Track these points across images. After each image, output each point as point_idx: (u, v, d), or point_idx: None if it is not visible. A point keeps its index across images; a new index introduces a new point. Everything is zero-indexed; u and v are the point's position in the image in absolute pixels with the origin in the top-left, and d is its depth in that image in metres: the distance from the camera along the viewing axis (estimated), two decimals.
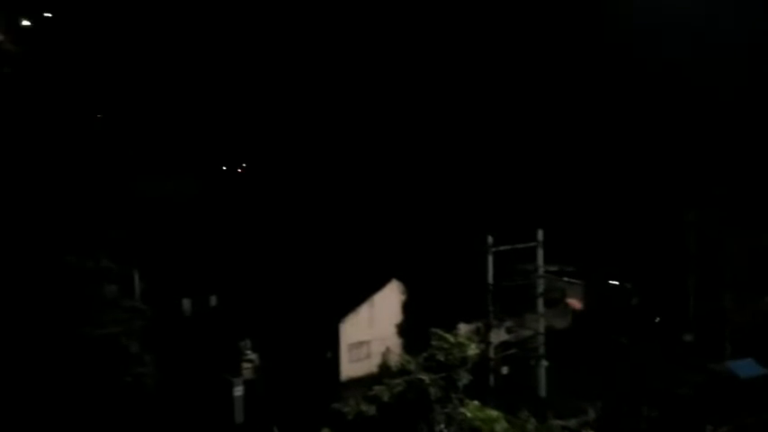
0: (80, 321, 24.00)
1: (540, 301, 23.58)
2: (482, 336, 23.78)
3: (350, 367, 29.96)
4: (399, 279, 30.84)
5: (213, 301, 34.27)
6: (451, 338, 18.61)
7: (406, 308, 30.88)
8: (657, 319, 30.01)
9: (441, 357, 18.18)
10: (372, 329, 30.60)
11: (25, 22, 38.87)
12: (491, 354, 24.06)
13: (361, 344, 30.16)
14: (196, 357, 29.82)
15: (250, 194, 35.51)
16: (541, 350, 23.39)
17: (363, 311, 30.49)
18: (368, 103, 33.62)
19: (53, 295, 24.14)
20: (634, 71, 35.00)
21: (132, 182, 36.29)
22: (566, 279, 30.89)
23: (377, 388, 18.79)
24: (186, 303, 34.14)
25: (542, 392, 23.44)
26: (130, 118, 39.14)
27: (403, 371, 19.45)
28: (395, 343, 30.63)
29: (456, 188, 31.63)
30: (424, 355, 18.85)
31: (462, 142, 32.54)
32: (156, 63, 38.35)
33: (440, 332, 18.93)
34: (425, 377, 17.92)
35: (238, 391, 27.45)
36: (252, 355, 30.71)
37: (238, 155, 36.13)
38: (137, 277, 30.32)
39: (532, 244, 23.73)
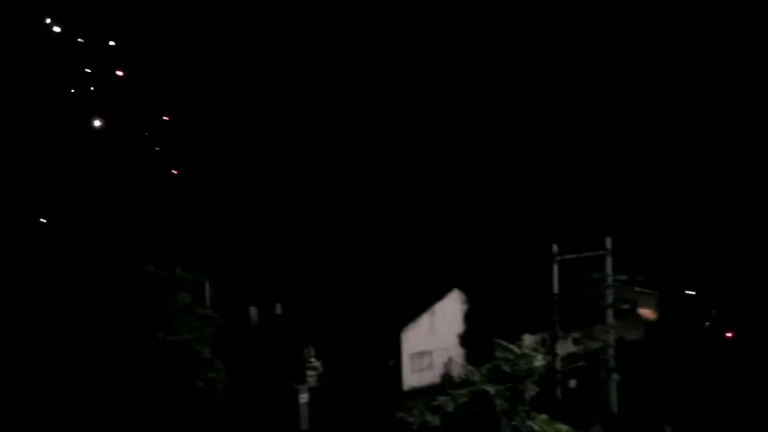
0: (157, 327, 25.31)
1: (610, 312, 22.79)
2: (548, 347, 23.23)
3: (412, 377, 29.92)
4: (460, 288, 30.62)
5: (278, 309, 35.20)
6: (517, 349, 18.36)
7: (468, 318, 30.58)
8: (707, 324, 28.08)
9: (506, 368, 17.96)
10: (433, 339, 30.47)
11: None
12: (557, 366, 23.45)
13: (422, 353, 30.08)
14: (262, 364, 30.72)
15: (315, 204, 36.33)
16: (612, 363, 22.58)
17: (424, 321, 30.42)
18: (429, 111, 33.68)
19: (134, 302, 25.60)
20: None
21: (199, 195, 38.04)
22: (637, 289, 29.72)
23: (441, 398, 18.79)
24: (253, 311, 35.25)
25: (614, 408, 22.59)
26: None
27: (467, 382, 19.34)
28: (457, 353, 30.36)
29: (520, 195, 31.09)
30: (489, 365, 18.68)
31: (527, 146, 31.94)
32: (242, 83, 39.93)
33: (504, 343, 18.70)
34: (490, 388, 17.75)
35: (303, 398, 27.98)
36: (316, 363, 31.28)
37: (303, 165, 37.05)
38: (207, 286, 31.73)
39: (600, 252, 23.04)
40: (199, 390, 25.93)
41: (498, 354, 18.50)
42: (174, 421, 25.40)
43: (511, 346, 18.47)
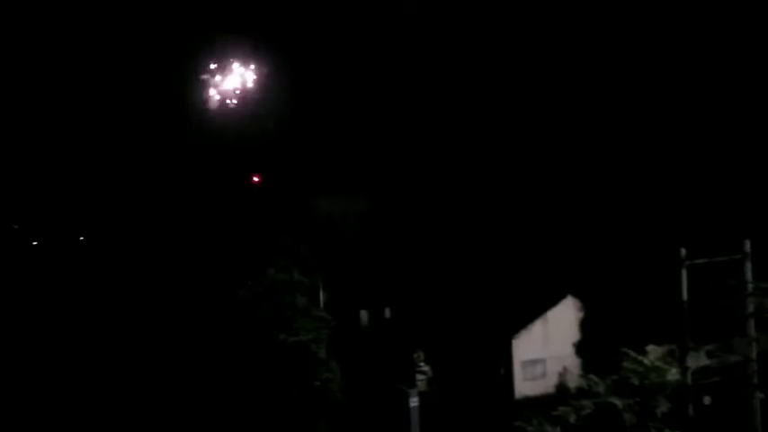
0: (278, 328, 26.74)
1: (751, 323, 20.74)
2: (677, 359, 21.61)
3: (524, 385, 29.22)
4: (575, 295, 29.44)
5: (387, 313, 35.85)
6: (647, 361, 17.32)
7: (584, 326, 29.31)
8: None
9: (635, 381, 17.01)
10: (547, 347, 29.56)
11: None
12: (689, 380, 21.74)
13: (535, 362, 29.29)
14: (373, 366, 31.42)
15: (425, 209, 36.58)
16: (754, 379, 20.55)
17: (537, 328, 29.61)
18: (548, 115, 32.62)
19: (258, 304, 27.26)
20: None
21: (314, 201, 39.73)
22: None
23: (562, 409, 18.13)
24: (363, 314, 36.18)
25: (758, 429, 20.53)
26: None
27: (589, 392, 18.52)
28: (572, 362, 29.21)
29: (643, 193, 29.10)
30: (615, 377, 17.78)
31: (652, 140, 29.81)
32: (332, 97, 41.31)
33: (632, 353, 17.72)
34: (618, 401, 16.88)
35: (414, 402, 28.23)
36: (425, 367, 31.45)
37: (414, 170, 37.35)
38: (321, 289, 33.03)
39: (737, 256, 21.08)
40: (315, 389, 27.00)
41: (626, 365, 17.55)
42: (292, 419, 26.70)
43: (640, 357, 17.43)
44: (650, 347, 20.93)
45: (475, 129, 35.18)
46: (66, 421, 27.25)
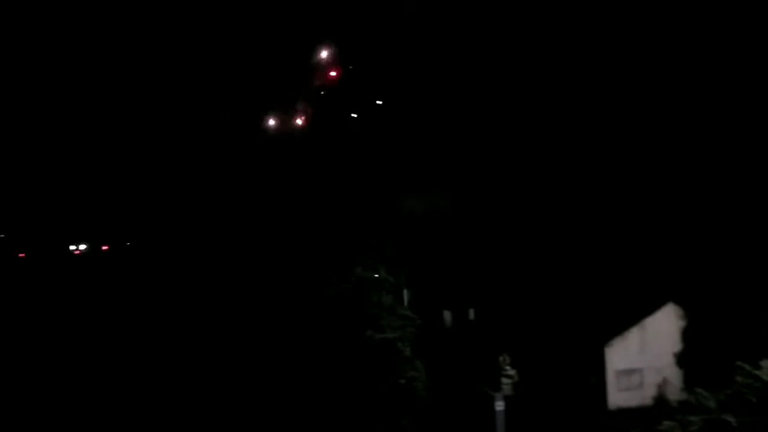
0: (364, 325, 27.13)
1: None
2: None
3: (618, 396, 27.80)
4: (677, 302, 27.61)
5: (471, 314, 35.37)
6: (765, 376, 15.92)
7: (686, 335, 27.42)
8: None
9: (752, 398, 15.68)
10: (644, 357, 27.95)
11: None
12: None
13: (631, 371, 27.77)
14: (457, 367, 31.09)
15: (509, 207, 35.76)
16: None
17: (633, 336, 28.05)
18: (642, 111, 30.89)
19: (344, 301, 27.81)
20: None
21: (398, 200, 39.96)
22: None
23: (667, 423, 17.15)
24: (447, 315, 35.92)
25: None
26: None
27: (696, 407, 17.36)
28: (672, 374, 27.46)
29: (758, 192, 26.74)
30: (728, 392, 16.52)
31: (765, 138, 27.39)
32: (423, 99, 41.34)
33: (748, 367, 16.37)
34: (731, 419, 15.65)
35: (499, 405, 27.66)
36: (511, 371, 30.72)
37: (497, 168, 36.62)
38: (405, 288, 33.18)
39: None
40: (400, 387, 27.13)
41: (740, 379, 16.24)
42: (377, 416, 26.97)
43: (756, 372, 16.07)
44: (765, 362, 19.26)
45: (568, 126, 33.87)
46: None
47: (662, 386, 27.17)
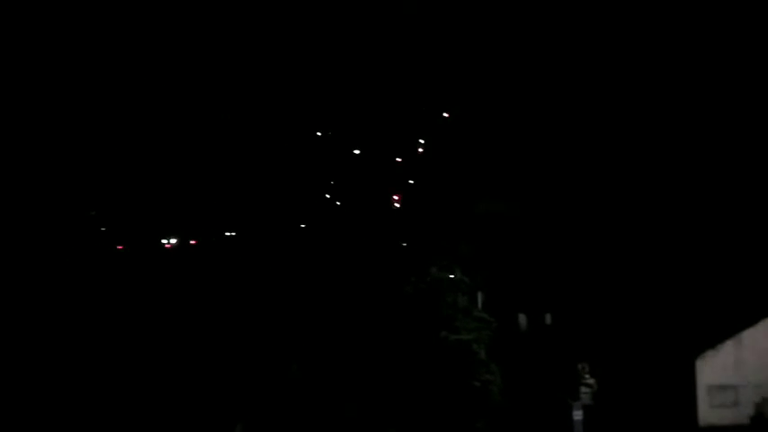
0: (438, 326, 26.95)
1: None
2: None
3: (710, 413, 26.10)
4: None
5: (548, 318, 34.38)
6: None
7: None
8: None
9: None
10: (740, 372, 26.09)
11: None
12: None
13: (725, 387, 25.99)
14: (533, 373, 30.26)
15: (590, 211, 34.52)
16: None
17: (728, 350, 26.25)
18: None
19: (420, 301, 27.75)
20: None
21: (474, 202, 39.56)
22: None
23: None
24: (522, 318, 35.10)
25: None
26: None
27: None
28: None
29: None
30: None
31: None
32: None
33: None
34: None
35: (578, 415, 26.72)
36: (590, 380, 29.55)
37: (579, 170, 35.55)
38: (479, 290, 32.68)
39: None
40: (475, 390, 26.73)
41: None
42: (450, 417, 26.69)
43: None
44: None
45: (665, 132, 32.35)
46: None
47: (761, 405, 25.26)
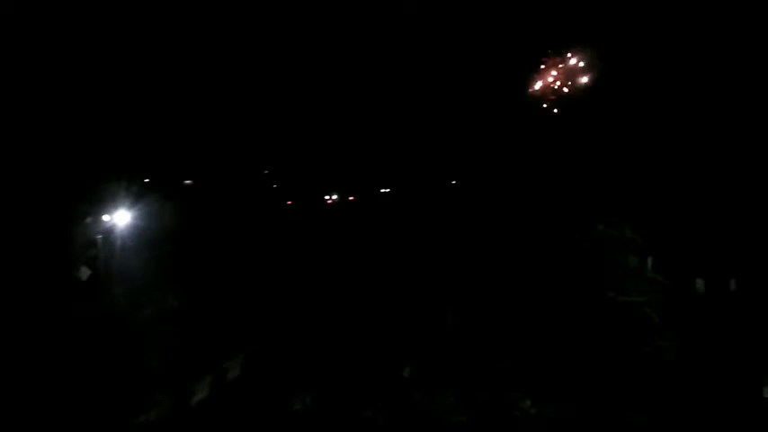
0: (605, 286, 25.37)
1: None
2: None
3: None
4: None
5: (733, 285, 30.57)
6: None
7: None
8: None
9: None
10: None
11: None
12: None
13: None
14: (714, 343, 27.38)
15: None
16: None
17: None
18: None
19: (585, 259, 26.29)
20: None
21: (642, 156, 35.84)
22: None
23: None
24: (699, 283, 31.67)
25: None
26: None
27: None
28: None
29: None
30: None
31: None
32: None
33: None
34: None
35: None
36: None
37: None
38: (649, 251, 29.94)
39: None
40: (645, 355, 24.98)
41: None
42: (615, 383, 25.22)
43: None
44: None
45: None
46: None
47: None
